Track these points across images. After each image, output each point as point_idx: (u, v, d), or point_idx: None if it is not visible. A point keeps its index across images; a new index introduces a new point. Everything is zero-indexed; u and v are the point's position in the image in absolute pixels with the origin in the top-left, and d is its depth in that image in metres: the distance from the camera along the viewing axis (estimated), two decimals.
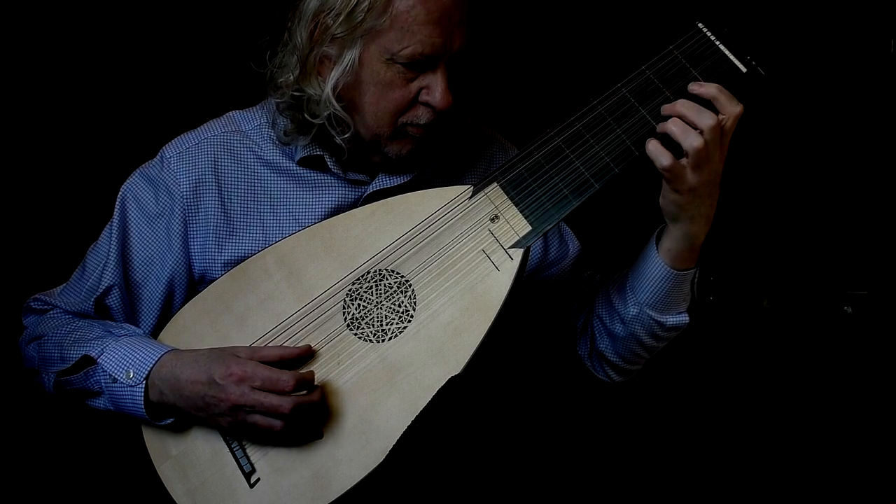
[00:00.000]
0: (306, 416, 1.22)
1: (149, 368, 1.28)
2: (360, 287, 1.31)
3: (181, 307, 1.39)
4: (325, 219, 1.38)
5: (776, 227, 2.19)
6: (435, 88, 1.31)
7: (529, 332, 1.55)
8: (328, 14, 1.28)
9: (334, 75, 1.31)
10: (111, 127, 2.02)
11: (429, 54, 1.28)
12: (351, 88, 1.33)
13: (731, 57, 1.27)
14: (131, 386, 1.28)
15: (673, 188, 1.26)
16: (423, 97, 1.32)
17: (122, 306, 1.42)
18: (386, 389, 1.25)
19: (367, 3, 1.25)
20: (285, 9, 1.35)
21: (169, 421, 1.30)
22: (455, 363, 1.24)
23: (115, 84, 2.03)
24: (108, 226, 1.45)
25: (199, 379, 1.24)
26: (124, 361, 1.29)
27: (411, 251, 1.32)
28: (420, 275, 1.30)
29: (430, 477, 1.46)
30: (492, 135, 1.58)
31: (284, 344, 1.30)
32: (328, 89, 1.31)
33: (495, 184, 1.32)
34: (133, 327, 1.40)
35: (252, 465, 1.26)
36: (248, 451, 1.27)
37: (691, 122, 1.23)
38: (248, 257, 1.38)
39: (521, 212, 1.30)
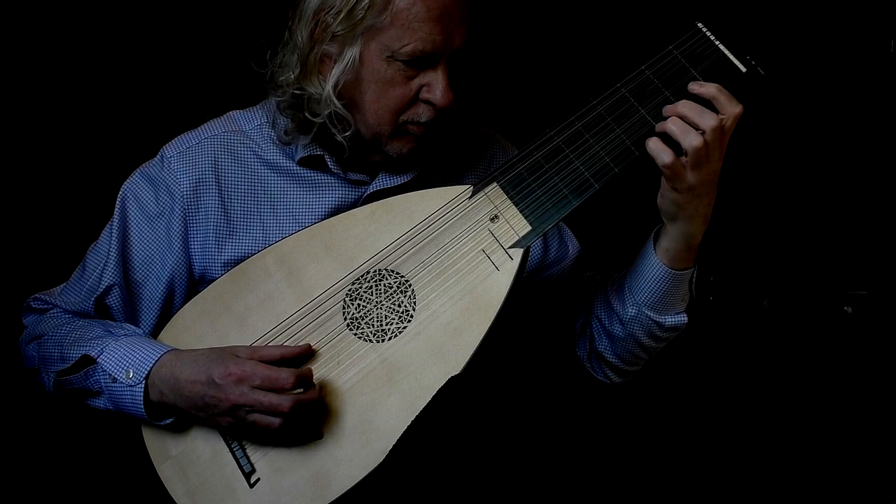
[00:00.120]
0: (306, 413, 1.22)
1: (148, 368, 1.28)
2: (360, 287, 1.31)
3: (181, 307, 1.39)
4: (325, 219, 1.38)
5: (776, 227, 2.19)
6: (436, 86, 1.31)
7: (529, 332, 1.55)
8: (328, 12, 1.28)
9: (335, 73, 1.31)
10: (111, 127, 2.02)
11: (429, 51, 1.28)
12: (351, 87, 1.33)
13: (731, 57, 1.27)
14: (131, 386, 1.28)
15: (672, 187, 1.26)
16: (424, 95, 1.32)
17: (123, 306, 1.43)
18: (386, 389, 1.25)
19: (367, 0, 1.25)
20: (285, 8, 1.35)
21: (169, 421, 1.30)
22: (455, 363, 1.24)
23: (115, 84, 2.03)
24: (108, 225, 1.45)
25: (199, 379, 1.24)
26: (124, 361, 1.29)
27: (411, 251, 1.32)
28: (420, 275, 1.30)
29: (430, 477, 1.46)
30: (492, 135, 1.58)
31: (284, 344, 1.30)
32: (329, 87, 1.31)
33: (495, 184, 1.32)
34: (133, 327, 1.40)
35: (252, 464, 1.26)
36: (248, 450, 1.27)
37: (693, 122, 1.23)
38: (248, 257, 1.38)
39: (520, 212, 1.30)
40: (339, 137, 1.35)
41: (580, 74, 2.07)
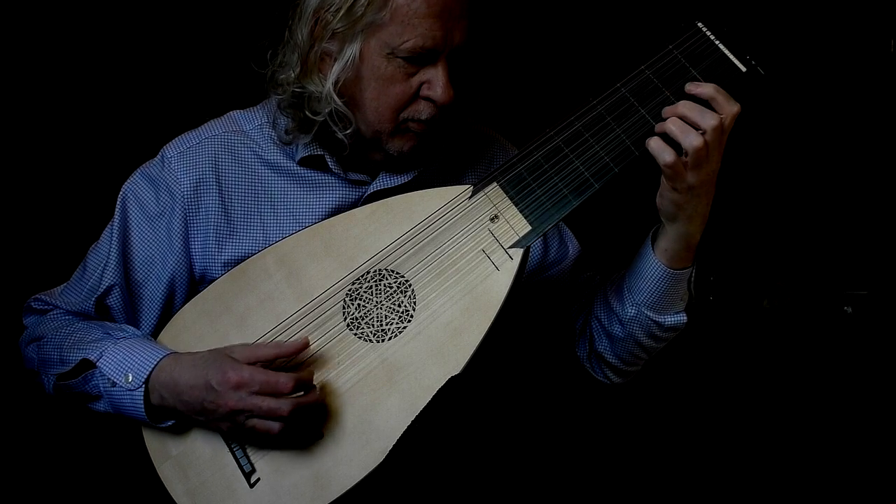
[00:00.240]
0: (305, 416, 1.22)
1: (147, 372, 1.27)
2: (360, 287, 1.31)
3: (181, 307, 1.39)
4: (325, 219, 1.38)
5: (776, 227, 2.19)
6: (436, 83, 1.31)
7: (529, 332, 1.55)
8: (328, 10, 1.28)
9: (335, 71, 1.31)
10: (111, 127, 2.02)
11: (429, 48, 1.28)
12: (352, 84, 1.33)
13: (731, 56, 1.27)
14: (130, 390, 1.28)
15: (672, 187, 1.26)
16: (425, 91, 1.32)
17: (123, 306, 1.43)
18: (386, 389, 1.25)
19: None
20: (285, 8, 1.35)
21: (170, 423, 1.29)
22: (455, 363, 1.24)
23: (116, 84, 2.03)
24: (108, 226, 1.45)
25: (198, 384, 1.23)
26: (123, 365, 1.29)
27: (411, 251, 1.32)
28: (420, 275, 1.30)
29: (430, 477, 1.46)
30: (492, 135, 1.58)
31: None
32: (329, 85, 1.31)
33: (495, 183, 1.32)
34: (133, 329, 1.40)
35: (252, 465, 1.26)
36: (248, 451, 1.27)
37: (694, 122, 1.23)
38: (249, 257, 1.38)
39: (520, 211, 1.30)
40: (339, 135, 1.35)
41: (580, 74, 2.07)
